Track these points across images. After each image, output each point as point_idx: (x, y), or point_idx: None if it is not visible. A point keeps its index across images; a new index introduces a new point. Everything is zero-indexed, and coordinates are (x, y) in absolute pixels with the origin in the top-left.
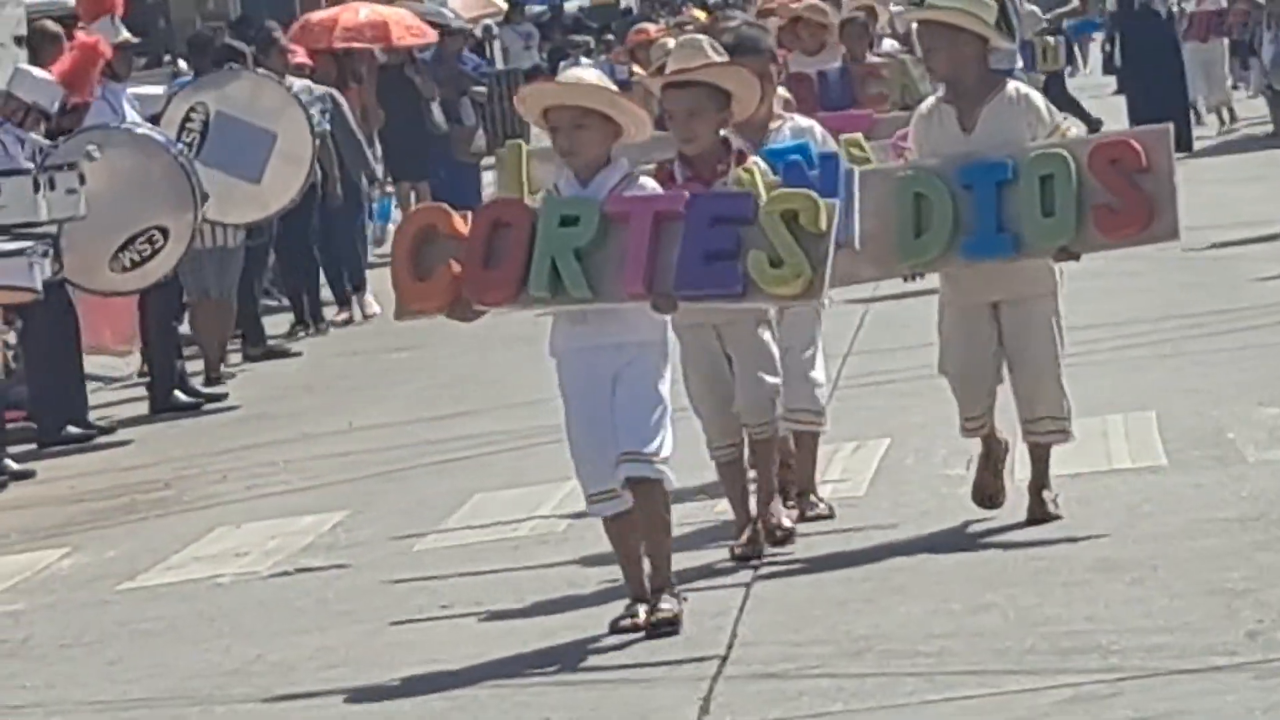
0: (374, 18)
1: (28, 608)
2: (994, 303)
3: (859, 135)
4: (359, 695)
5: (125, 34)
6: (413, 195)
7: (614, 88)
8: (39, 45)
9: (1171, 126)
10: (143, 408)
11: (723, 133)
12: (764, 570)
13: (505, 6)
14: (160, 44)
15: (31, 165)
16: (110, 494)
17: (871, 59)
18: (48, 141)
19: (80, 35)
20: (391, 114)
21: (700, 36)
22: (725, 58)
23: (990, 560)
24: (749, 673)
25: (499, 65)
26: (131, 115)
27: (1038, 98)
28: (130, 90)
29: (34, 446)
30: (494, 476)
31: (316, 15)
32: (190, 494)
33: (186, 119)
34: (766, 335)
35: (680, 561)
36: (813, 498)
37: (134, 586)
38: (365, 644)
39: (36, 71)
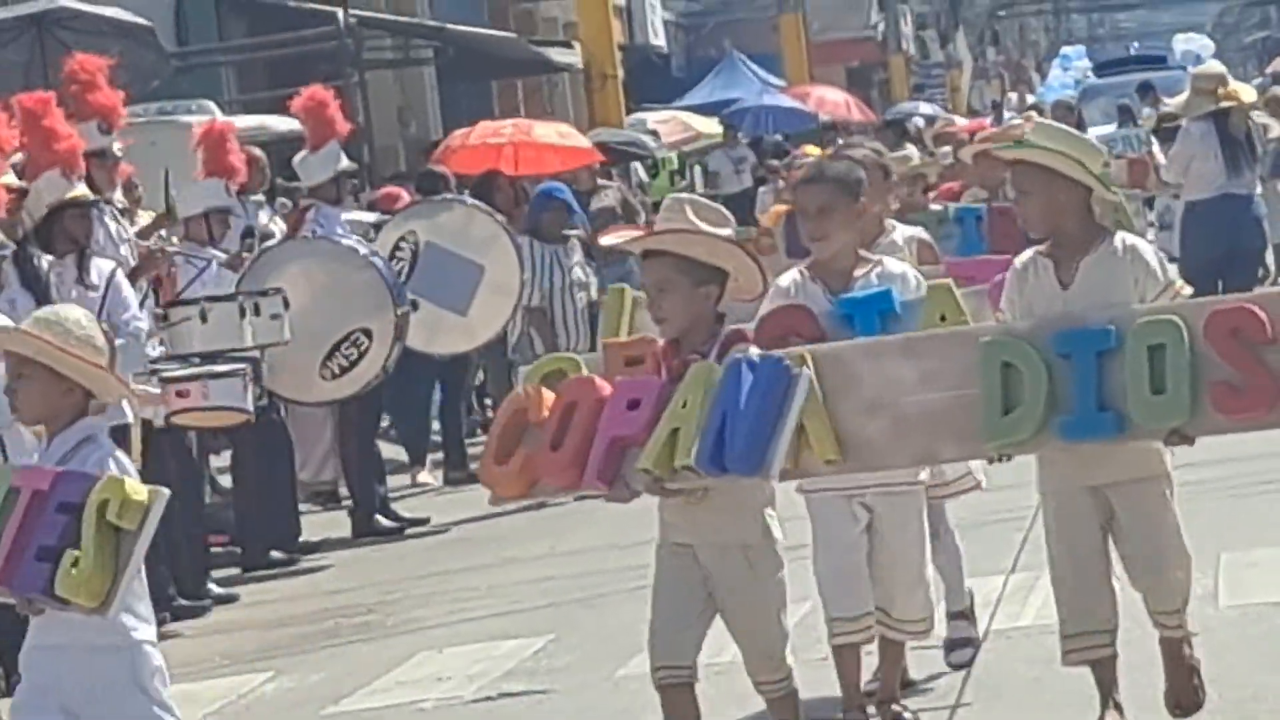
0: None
1: None
2: (1097, 486)
3: (948, 281)
4: None
5: (345, 161)
6: None
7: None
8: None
9: None
10: (345, 529)
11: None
12: (966, 695)
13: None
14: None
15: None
16: (314, 618)
17: None
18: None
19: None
20: None
21: (684, 196)
22: (712, 223)
23: None
24: None
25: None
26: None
27: (1148, 250)
28: (344, 215)
29: (238, 571)
30: None
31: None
32: (393, 618)
33: (397, 247)
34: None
35: None
36: (895, 707)
37: (338, 711)
38: None
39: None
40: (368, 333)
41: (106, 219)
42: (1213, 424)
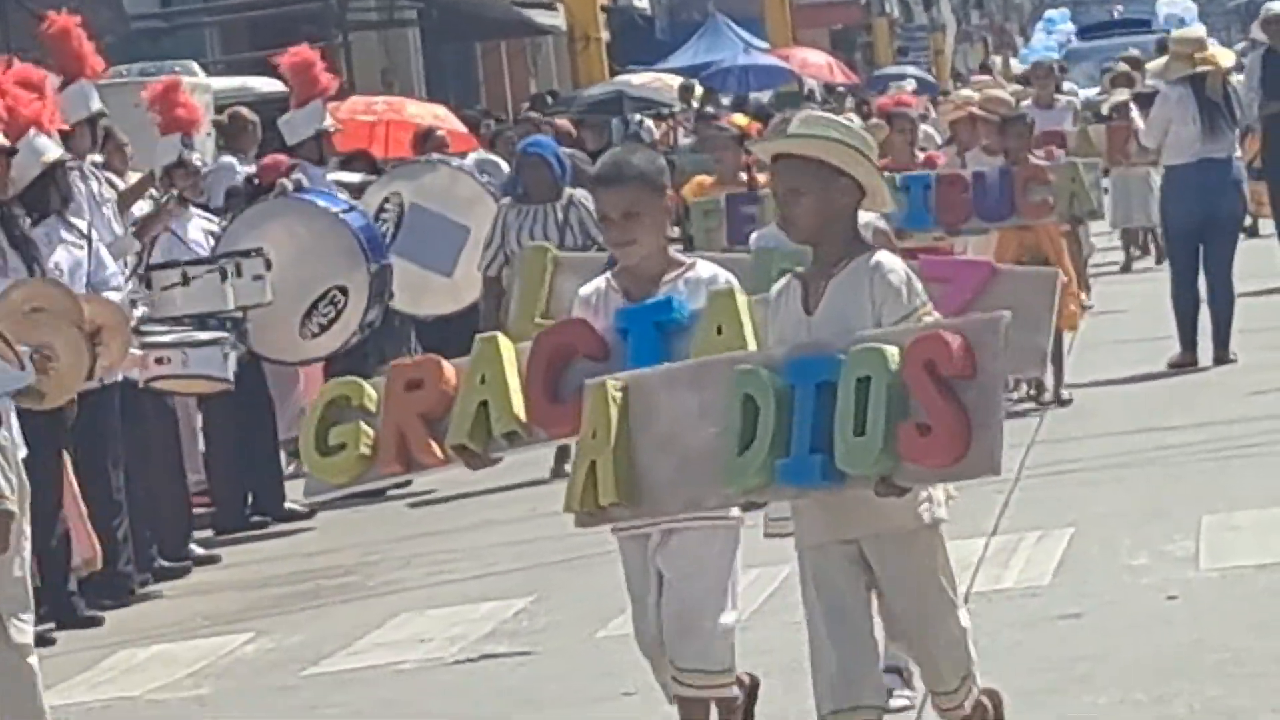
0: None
1: (213, 692)
2: (851, 540)
3: (731, 286)
4: None
5: (329, 120)
6: None
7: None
8: (234, 133)
9: (1006, 315)
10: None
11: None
12: None
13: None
14: None
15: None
16: (294, 579)
17: (1036, 160)
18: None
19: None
20: None
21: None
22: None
23: (1175, 651)
24: None
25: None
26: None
27: (895, 268)
28: (330, 176)
29: (212, 533)
30: None
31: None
32: (374, 580)
33: (381, 208)
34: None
35: None
36: None
37: (318, 672)
38: None
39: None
40: (344, 290)
41: (90, 180)
42: (913, 473)
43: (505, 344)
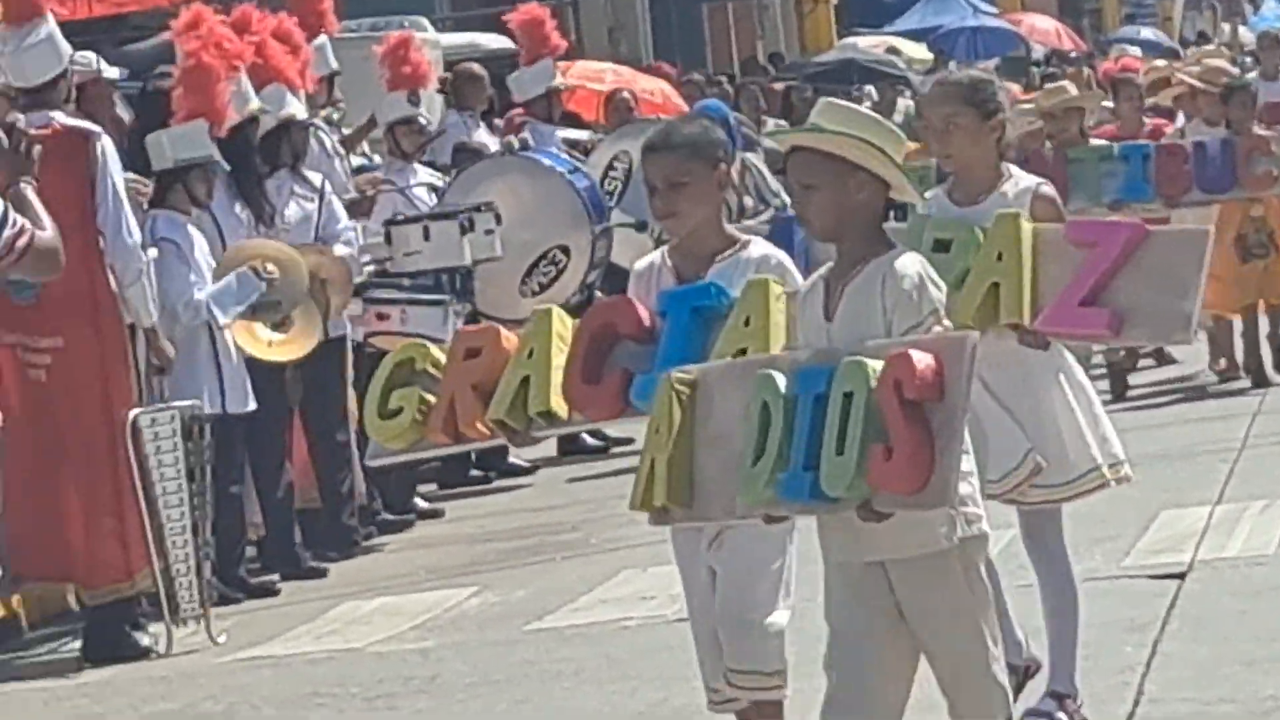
0: None
1: (436, 645)
2: (874, 563)
3: (766, 277)
4: None
5: (560, 79)
6: None
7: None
8: (462, 88)
9: (974, 335)
10: (550, 449)
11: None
12: (1171, 626)
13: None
14: None
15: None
16: (518, 534)
17: (1260, 131)
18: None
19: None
20: None
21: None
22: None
23: None
24: None
25: None
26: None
27: (912, 271)
28: (559, 133)
29: (435, 487)
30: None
31: None
32: (597, 536)
33: (610, 167)
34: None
35: (1093, 616)
36: None
37: (541, 627)
38: None
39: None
40: (565, 250)
41: (325, 135)
42: (886, 499)
43: (560, 318)
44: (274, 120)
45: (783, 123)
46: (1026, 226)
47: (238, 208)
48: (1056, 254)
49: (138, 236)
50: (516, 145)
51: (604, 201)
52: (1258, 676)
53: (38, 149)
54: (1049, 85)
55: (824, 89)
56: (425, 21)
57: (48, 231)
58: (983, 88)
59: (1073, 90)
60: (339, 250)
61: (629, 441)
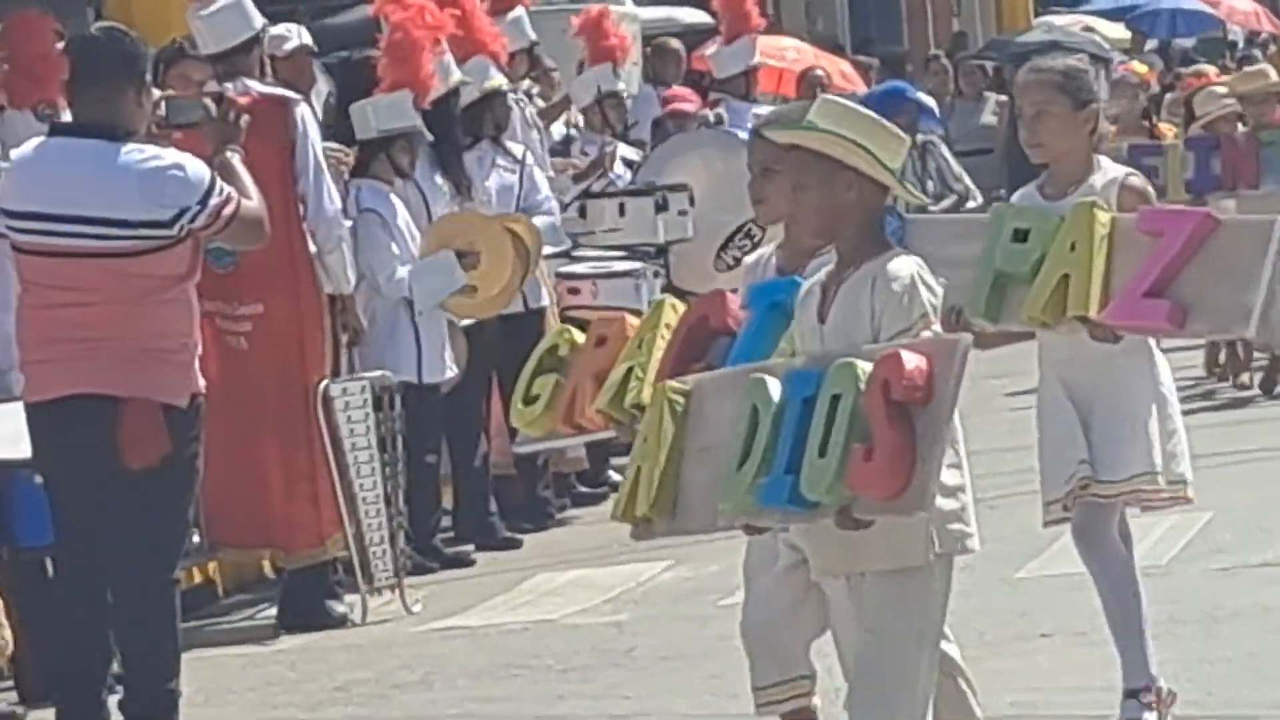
0: None
1: (630, 619)
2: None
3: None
4: None
5: (758, 57)
6: None
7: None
8: (660, 63)
9: (967, 338)
10: None
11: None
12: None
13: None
14: None
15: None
16: None
17: None
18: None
19: None
20: None
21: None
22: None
23: None
24: None
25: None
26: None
27: (901, 275)
28: (754, 110)
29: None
30: None
31: None
32: None
33: None
34: None
35: None
36: None
37: (734, 603)
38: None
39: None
40: (761, 225)
41: (525, 107)
42: (867, 505)
43: (673, 308)
44: (477, 92)
45: (1004, 99)
46: (1104, 216)
47: (438, 178)
48: (1130, 244)
49: (338, 204)
50: (713, 119)
51: None
52: None
53: (246, 118)
54: (1247, 69)
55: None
56: None
57: (254, 201)
58: (1077, 76)
59: (1272, 74)
60: (539, 220)
61: None
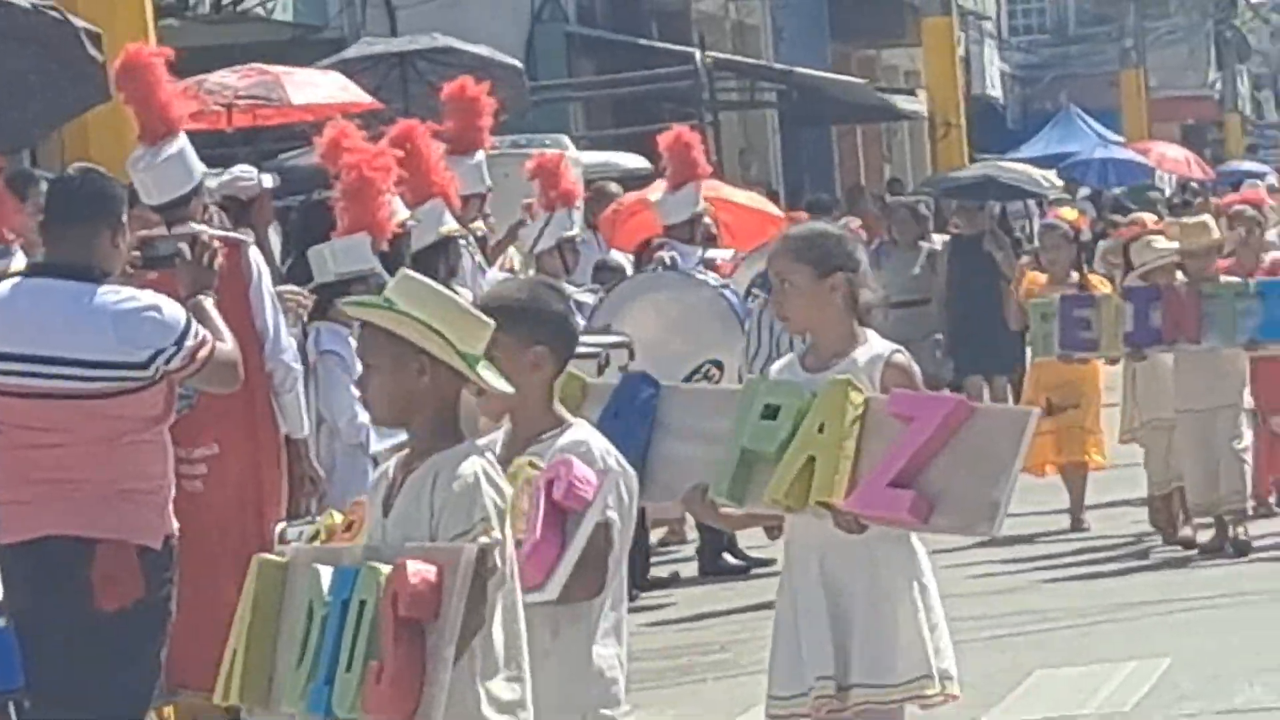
0: None
1: None
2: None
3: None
4: None
5: (703, 204)
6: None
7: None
8: (600, 207)
9: (471, 548)
10: (692, 568)
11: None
12: None
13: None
14: None
15: None
16: (667, 654)
17: None
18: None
19: None
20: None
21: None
22: None
23: None
24: None
25: None
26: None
27: (466, 474)
28: (705, 254)
29: None
30: (1054, 653)
31: None
32: (746, 658)
33: (753, 284)
34: None
35: None
36: None
37: None
38: None
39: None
40: (718, 364)
41: (475, 252)
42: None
43: (858, 394)
44: (434, 235)
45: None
46: (857, 397)
47: None
48: (881, 428)
49: (293, 345)
50: (668, 261)
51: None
52: None
53: (219, 262)
54: (1186, 220)
55: (969, 207)
56: (566, 140)
57: (227, 343)
58: (820, 243)
59: (1213, 226)
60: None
61: (770, 562)
